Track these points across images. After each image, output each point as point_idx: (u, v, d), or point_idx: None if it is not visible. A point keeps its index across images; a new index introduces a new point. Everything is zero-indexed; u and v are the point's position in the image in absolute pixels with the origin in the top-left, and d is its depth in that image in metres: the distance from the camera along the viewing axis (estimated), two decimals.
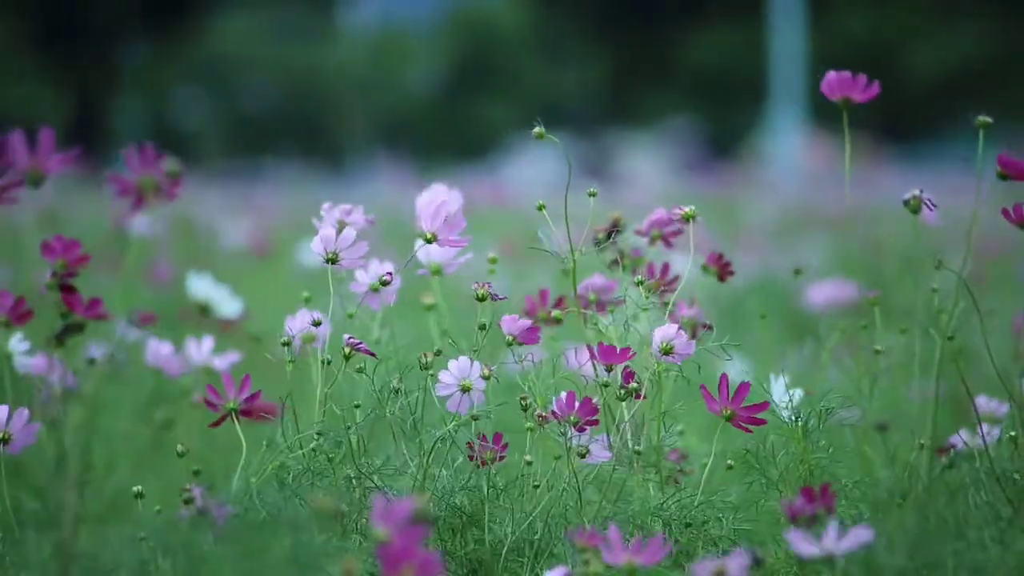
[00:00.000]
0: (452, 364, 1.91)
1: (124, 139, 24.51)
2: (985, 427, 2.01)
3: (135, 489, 1.93)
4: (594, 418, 1.88)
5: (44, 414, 1.96)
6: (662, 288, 2.08)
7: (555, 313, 1.97)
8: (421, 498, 1.74)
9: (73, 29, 26.21)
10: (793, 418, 1.93)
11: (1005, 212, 1.98)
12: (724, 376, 1.89)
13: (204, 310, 2.80)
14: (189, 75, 26.70)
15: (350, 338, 1.93)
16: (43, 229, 5.46)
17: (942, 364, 1.92)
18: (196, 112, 26.47)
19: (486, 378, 1.91)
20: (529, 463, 1.89)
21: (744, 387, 1.89)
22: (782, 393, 1.95)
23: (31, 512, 1.95)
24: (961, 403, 2.21)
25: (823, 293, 3.68)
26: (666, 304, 2.08)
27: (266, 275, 6.00)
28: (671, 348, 1.91)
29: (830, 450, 1.94)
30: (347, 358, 1.91)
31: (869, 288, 2.17)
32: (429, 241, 1.97)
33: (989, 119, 1.98)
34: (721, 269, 2.17)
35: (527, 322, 1.94)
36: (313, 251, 1.97)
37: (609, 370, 1.90)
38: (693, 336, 2.10)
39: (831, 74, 2.07)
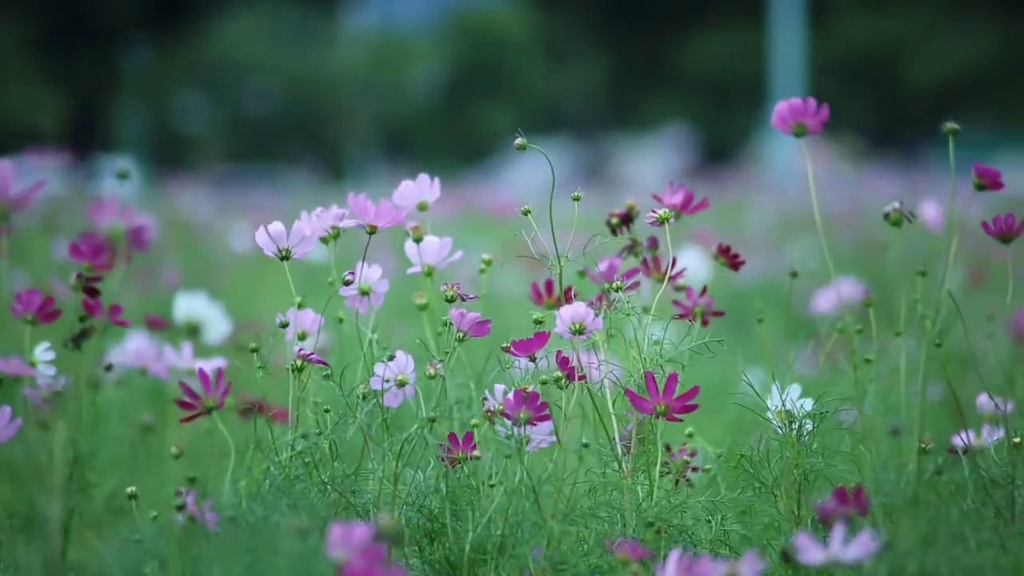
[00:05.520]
0: (391, 361, 1.91)
1: (126, 142, 24.54)
2: (987, 429, 2.00)
3: (128, 491, 1.92)
4: (544, 413, 1.87)
5: (35, 417, 1.95)
6: (671, 279, 2.08)
7: (537, 316, 1.95)
8: (387, 515, 1.73)
9: (75, 31, 26.23)
10: (787, 424, 1.92)
11: (985, 226, 1.98)
12: (650, 374, 1.88)
13: (194, 331, 2.77)
14: (190, 78, 26.72)
15: (300, 349, 1.92)
16: (45, 234, 5.46)
17: (927, 368, 1.91)
18: (197, 115, 26.49)
19: (431, 377, 1.91)
20: (477, 458, 1.88)
21: (672, 379, 1.88)
22: (784, 400, 1.94)
23: (23, 518, 1.94)
24: (962, 405, 2.20)
25: (830, 297, 3.66)
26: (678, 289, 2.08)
27: (265, 278, 6.00)
28: (582, 328, 1.91)
29: (822, 455, 1.93)
30: (299, 370, 1.90)
31: (869, 290, 2.16)
32: (371, 233, 1.98)
33: (957, 126, 1.98)
34: (730, 260, 2.16)
35: (476, 315, 1.93)
36: (262, 247, 1.95)
37: (534, 360, 1.90)
38: (704, 323, 2.09)
39: (781, 105, 2.06)
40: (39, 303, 2.02)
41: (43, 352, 2.03)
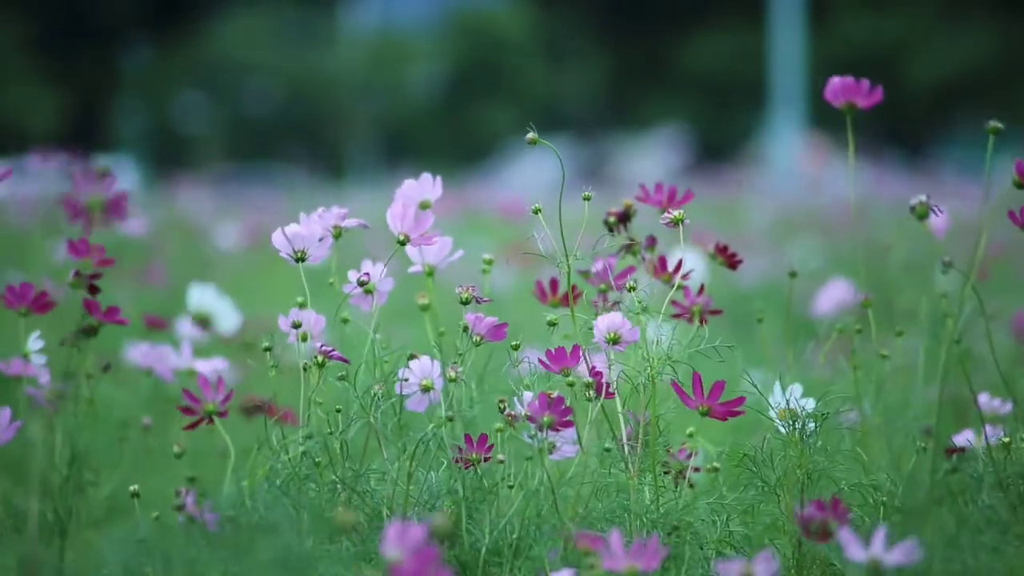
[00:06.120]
0: (413, 364, 1.90)
1: (126, 142, 24.53)
2: (988, 428, 2.00)
3: (131, 489, 1.92)
4: (568, 419, 1.86)
5: (37, 415, 1.95)
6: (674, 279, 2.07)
7: (551, 318, 1.95)
8: (442, 515, 1.73)
9: (75, 31, 26.22)
10: (790, 424, 1.92)
11: (1012, 215, 1.97)
12: (697, 375, 1.88)
13: (204, 322, 2.78)
14: (190, 78, 26.71)
15: (322, 345, 1.91)
16: (46, 234, 5.46)
17: (948, 368, 1.91)
18: (197, 115, 26.48)
19: (452, 380, 1.90)
20: (501, 462, 1.88)
21: (719, 385, 1.88)
22: (783, 398, 1.94)
23: (21, 517, 1.94)
24: (961, 404, 2.20)
25: (831, 298, 3.65)
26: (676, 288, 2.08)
27: (266, 278, 6.00)
28: (618, 337, 1.90)
29: (825, 454, 1.93)
30: (320, 365, 1.89)
31: (871, 291, 2.16)
32: (402, 243, 1.97)
33: (1000, 125, 1.97)
34: (728, 259, 2.16)
35: (493, 320, 1.93)
36: (278, 249, 1.95)
37: (567, 374, 1.89)
38: (702, 322, 2.09)
39: (835, 80, 2.06)
40: (33, 295, 2.00)
41: (34, 342, 2.02)
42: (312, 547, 1.65)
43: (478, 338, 1.92)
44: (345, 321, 2.01)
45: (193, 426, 1.91)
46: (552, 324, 1.92)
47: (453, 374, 1.90)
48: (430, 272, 2.08)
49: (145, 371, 2.62)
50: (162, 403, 2.78)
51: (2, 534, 1.93)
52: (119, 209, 2.02)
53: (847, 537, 1.67)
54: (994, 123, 1.96)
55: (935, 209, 2.01)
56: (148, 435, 2.64)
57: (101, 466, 2.22)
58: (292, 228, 1.94)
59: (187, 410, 1.91)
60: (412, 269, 2.08)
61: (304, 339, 1.94)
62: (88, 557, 1.88)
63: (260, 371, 2.56)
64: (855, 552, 1.66)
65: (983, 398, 2.12)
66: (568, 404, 1.86)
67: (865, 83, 2.06)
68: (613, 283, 2.01)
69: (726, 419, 1.89)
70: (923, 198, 2.02)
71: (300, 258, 1.95)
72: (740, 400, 1.89)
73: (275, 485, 1.83)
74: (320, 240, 1.96)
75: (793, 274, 2.31)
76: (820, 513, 1.75)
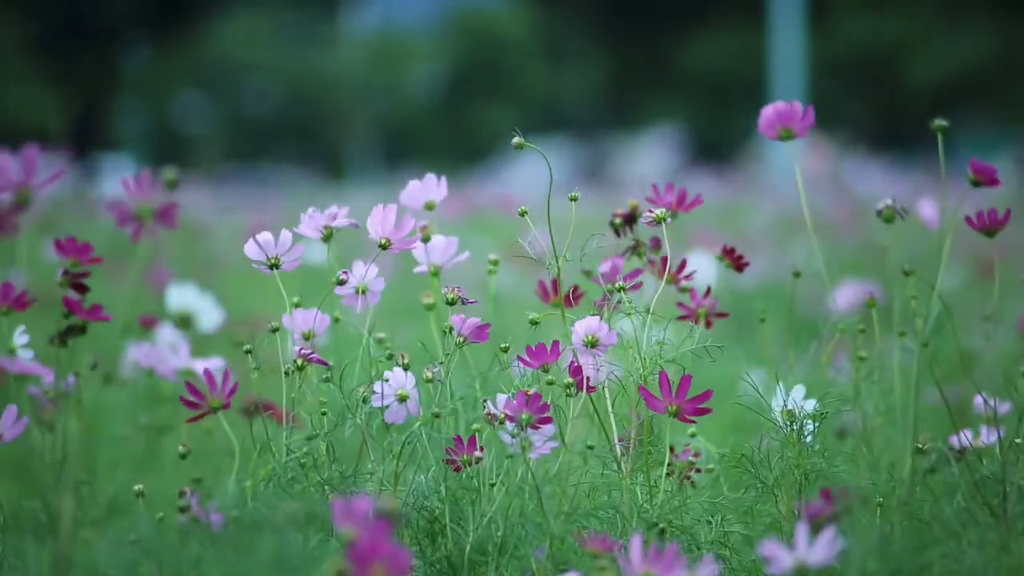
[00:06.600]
0: (388, 376, 1.90)
1: (126, 142, 24.52)
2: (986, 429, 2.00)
3: (136, 488, 1.91)
4: (546, 415, 1.86)
5: (39, 415, 1.95)
6: (678, 280, 2.07)
7: (533, 317, 1.94)
8: (388, 497, 1.72)
9: (75, 31, 26.22)
10: (788, 425, 1.92)
11: (969, 220, 1.98)
12: (663, 373, 1.87)
13: (185, 321, 2.78)
14: (190, 78, 26.71)
15: (301, 348, 1.91)
16: (43, 234, 5.45)
17: (923, 369, 1.91)
18: (197, 115, 26.48)
19: (428, 381, 1.90)
20: (479, 460, 1.87)
21: (686, 380, 1.86)
22: (787, 400, 1.93)
23: (30, 515, 1.94)
24: (962, 405, 2.20)
25: (845, 297, 3.67)
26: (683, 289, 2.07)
27: (266, 278, 5.99)
28: (596, 340, 1.90)
29: (823, 455, 1.92)
30: (300, 368, 1.89)
31: (872, 291, 2.16)
32: (383, 247, 1.97)
33: (945, 123, 1.98)
34: (734, 261, 2.15)
35: (476, 320, 1.93)
36: (251, 258, 1.96)
37: (546, 370, 1.89)
38: (708, 325, 2.08)
39: (768, 109, 2.06)
40: (13, 294, 1.99)
41: (19, 336, 2.02)
42: (314, 547, 1.65)
43: (462, 339, 1.92)
44: (336, 320, 2.01)
45: (196, 419, 1.91)
46: (534, 323, 1.92)
47: (429, 375, 1.90)
48: (435, 272, 2.08)
49: (146, 371, 2.62)
50: (161, 403, 2.78)
51: (2, 532, 1.93)
52: (169, 217, 2.05)
53: (769, 551, 1.60)
54: (939, 122, 1.97)
55: (901, 213, 2.03)
56: (146, 435, 2.64)
57: (96, 466, 2.22)
58: (264, 236, 1.96)
59: (190, 403, 1.90)
60: (417, 269, 2.08)
61: (307, 337, 1.94)
62: (83, 556, 1.87)
63: (261, 370, 2.55)
64: (777, 565, 1.58)
65: (979, 399, 2.12)
66: (548, 401, 1.86)
67: (798, 107, 2.05)
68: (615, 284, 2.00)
69: (695, 419, 1.86)
70: (888, 202, 2.05)
71: (274, 265, 1.96)
72: (707, 395, 1.86)
73: (277, 486, 1.83)
74: (290, 248, 1.96)
75: (797, 274, 2.31)
76: (830, 505, 1.72)
